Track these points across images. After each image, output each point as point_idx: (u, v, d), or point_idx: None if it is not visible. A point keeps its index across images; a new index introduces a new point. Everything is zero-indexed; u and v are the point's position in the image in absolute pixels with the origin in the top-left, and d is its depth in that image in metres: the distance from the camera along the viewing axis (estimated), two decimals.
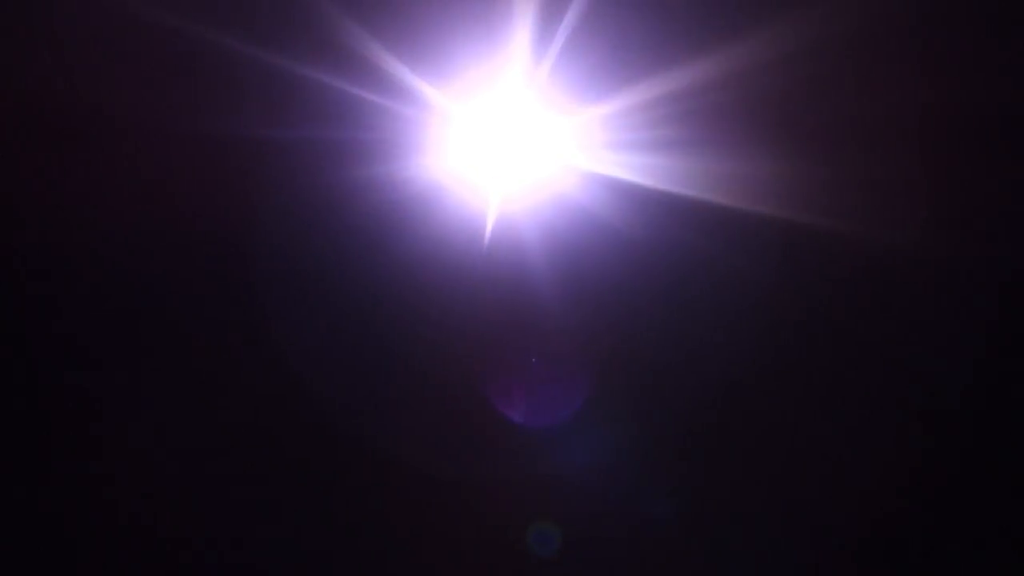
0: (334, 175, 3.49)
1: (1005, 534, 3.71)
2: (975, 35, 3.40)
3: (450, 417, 3.71)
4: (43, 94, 3.37)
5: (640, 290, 3.70)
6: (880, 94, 3.47)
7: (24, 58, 3.34)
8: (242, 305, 3.63)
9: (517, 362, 3.73)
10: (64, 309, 3.63)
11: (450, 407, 3.72)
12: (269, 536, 3.68)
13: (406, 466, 3.67)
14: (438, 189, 3.55)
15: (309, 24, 3.25)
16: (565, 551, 3.71)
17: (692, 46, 3.30)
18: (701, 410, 3.80)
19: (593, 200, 3.55)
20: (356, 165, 3.48)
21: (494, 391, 3.70)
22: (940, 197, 3.57)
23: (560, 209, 3.58)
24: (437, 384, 3.70)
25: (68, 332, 3.63)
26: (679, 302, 3.73)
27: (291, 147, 3.45)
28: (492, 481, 3.70)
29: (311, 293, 3.68)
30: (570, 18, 3.23)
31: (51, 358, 3.63)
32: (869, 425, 3.76)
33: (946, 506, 3.76)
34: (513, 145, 3.54)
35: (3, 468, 3.59)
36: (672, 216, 3.55)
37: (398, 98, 3.35)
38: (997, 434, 3.75)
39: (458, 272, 3.60)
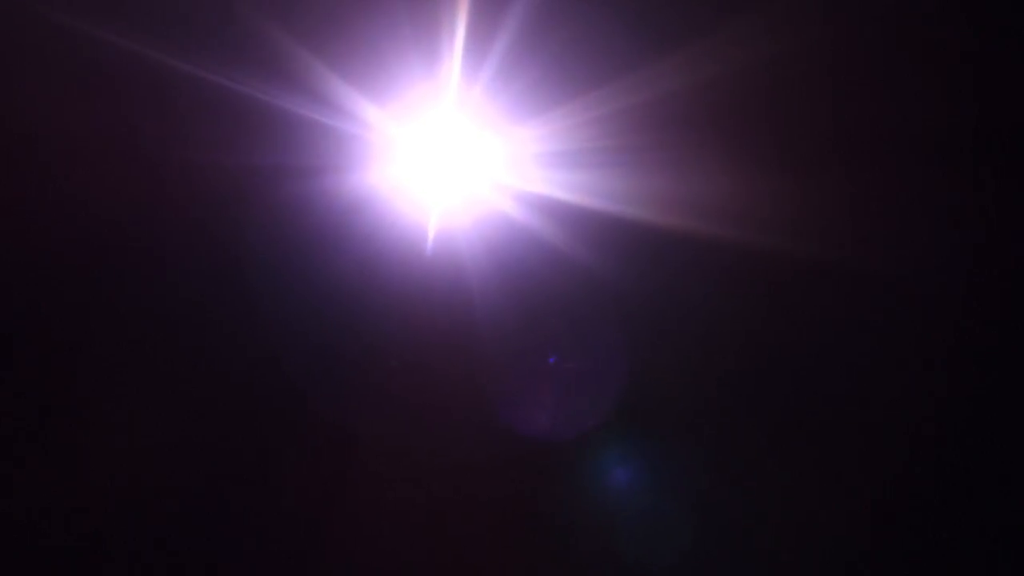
0: (274, 194, 3.57)
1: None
2: (925, 55, 3.49)
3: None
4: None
5: (575, 307, 3.80)
6: (826, 110, 3.55)
7: None
8: (194, 312, 3.71)
9: (451, 368, 3.82)
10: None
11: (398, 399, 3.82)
12: (247, 522, 3.74)
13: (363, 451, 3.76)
14: (378, 206, 3.63)
15: (251, 48, 3.33)
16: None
17: (626, 66, 3.40)
18: (637, 424, 3.89)
19: (528, 217, 3.65)
20: (296, 184, 3.56)
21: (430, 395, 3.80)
22: (883, 213, 3.65)
23: (496, 227, 3.67)
24: (379, 382, 3.80)
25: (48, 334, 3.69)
26: (614, 319, 3.83)
27: (233, 168, 3.53)
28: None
29: (256, 312, 3.75)
30: (505, 38, 3.34)
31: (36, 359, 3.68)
32: (814, 442, 3.83)
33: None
34: (450, 164, 3.64)
35: None
36: (607, 233, 3.64)
37: (337, 118, 3.45)
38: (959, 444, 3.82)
39: (395, 288, 3.68)
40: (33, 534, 3.57)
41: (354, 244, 3.64)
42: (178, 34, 3.35)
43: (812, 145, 3.60)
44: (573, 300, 3.77)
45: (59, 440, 3.65)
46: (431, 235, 3.66)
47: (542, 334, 3.84)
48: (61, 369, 3.69)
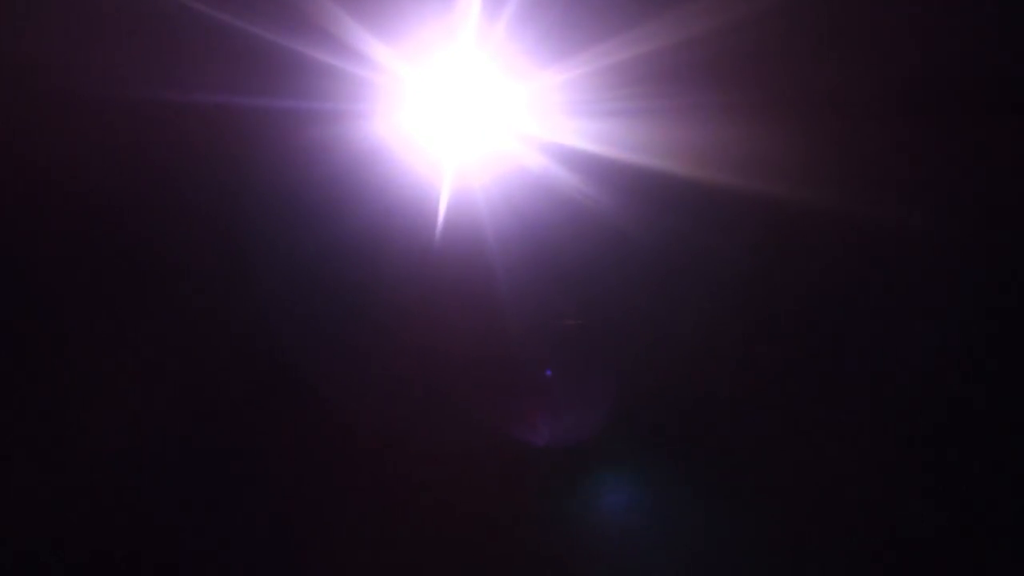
0: (288, 140, 3.46)
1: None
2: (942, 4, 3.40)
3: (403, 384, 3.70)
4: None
5: (597, 259, 3.70)
6: (845, 61, 3.47)
7: None
8: (199, 270, 3.61)
9: (470, 329, 3.71)
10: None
11: (403, 372, 3.71)
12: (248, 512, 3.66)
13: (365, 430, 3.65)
14: (393, 154, 3.53)
15: None
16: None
17: (651, 9, 3.29)
18: (664, 383, 3.77)
19: (548, 167, 3.55)
20: (310, 129, 3.45)
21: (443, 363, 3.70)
22: (908, 167, 3.59)
23: (514, 175, 3.58)
24: (388, 349, 3.69)
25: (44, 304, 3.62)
26: (638, 272, 3.73)
27: (245, 112, 3.41)
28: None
29: (267, 260, 3.65)
30: None
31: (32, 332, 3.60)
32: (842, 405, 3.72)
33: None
34: (468, 110, 3.53)
35: None
36: (629, 184, 3.55)
37: (353, 62, 3.32)
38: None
39: (411, 238, 3.59)
40: (32, 533, 3.51)
41: (366, 193, 3.54)
42: None
43: (838, 94, 3.52)
44: (593, 253, 3.67)
45: (57, 429, 3.60)
46: (446, 186, 3.56)
47: (561, 291, 3.74)
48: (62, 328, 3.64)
